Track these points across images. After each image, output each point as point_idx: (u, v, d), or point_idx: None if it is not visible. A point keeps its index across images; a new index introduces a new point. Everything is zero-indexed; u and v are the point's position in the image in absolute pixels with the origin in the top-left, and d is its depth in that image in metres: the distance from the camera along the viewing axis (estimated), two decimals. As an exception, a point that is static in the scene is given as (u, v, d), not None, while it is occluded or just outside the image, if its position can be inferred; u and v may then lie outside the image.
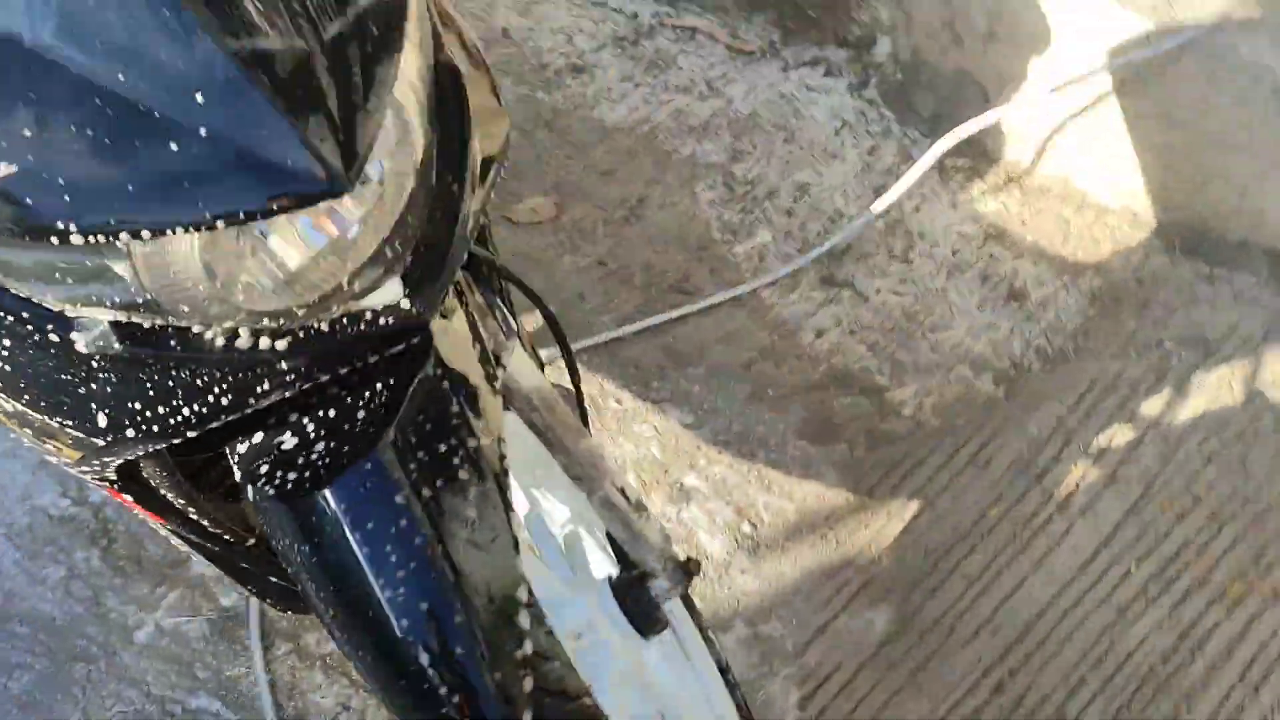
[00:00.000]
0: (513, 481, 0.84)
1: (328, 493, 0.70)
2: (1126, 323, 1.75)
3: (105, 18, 0.53)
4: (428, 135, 0.68)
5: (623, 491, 1.03)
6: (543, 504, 1.11)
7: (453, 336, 0.80)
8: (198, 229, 0.55)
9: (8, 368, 0.65)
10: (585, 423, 1.10)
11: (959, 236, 1.89)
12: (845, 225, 1.93)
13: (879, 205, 1.91)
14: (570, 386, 1.12)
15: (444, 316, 0.80)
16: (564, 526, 1.12)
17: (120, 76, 0.53)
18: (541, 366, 1.09)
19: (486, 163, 0.80)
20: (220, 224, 0.54)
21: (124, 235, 0.54)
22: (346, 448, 0.71)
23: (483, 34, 2.52)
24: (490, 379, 0.82)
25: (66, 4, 0.53)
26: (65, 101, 0.54)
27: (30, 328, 0.63)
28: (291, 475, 0.71)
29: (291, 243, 0.60)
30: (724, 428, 1.70)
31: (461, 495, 0.75)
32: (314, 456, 0.72)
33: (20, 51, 0.53)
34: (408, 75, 0.65)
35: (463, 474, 0.75)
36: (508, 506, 0.78)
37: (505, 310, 0.95)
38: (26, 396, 0.67)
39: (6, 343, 0.64)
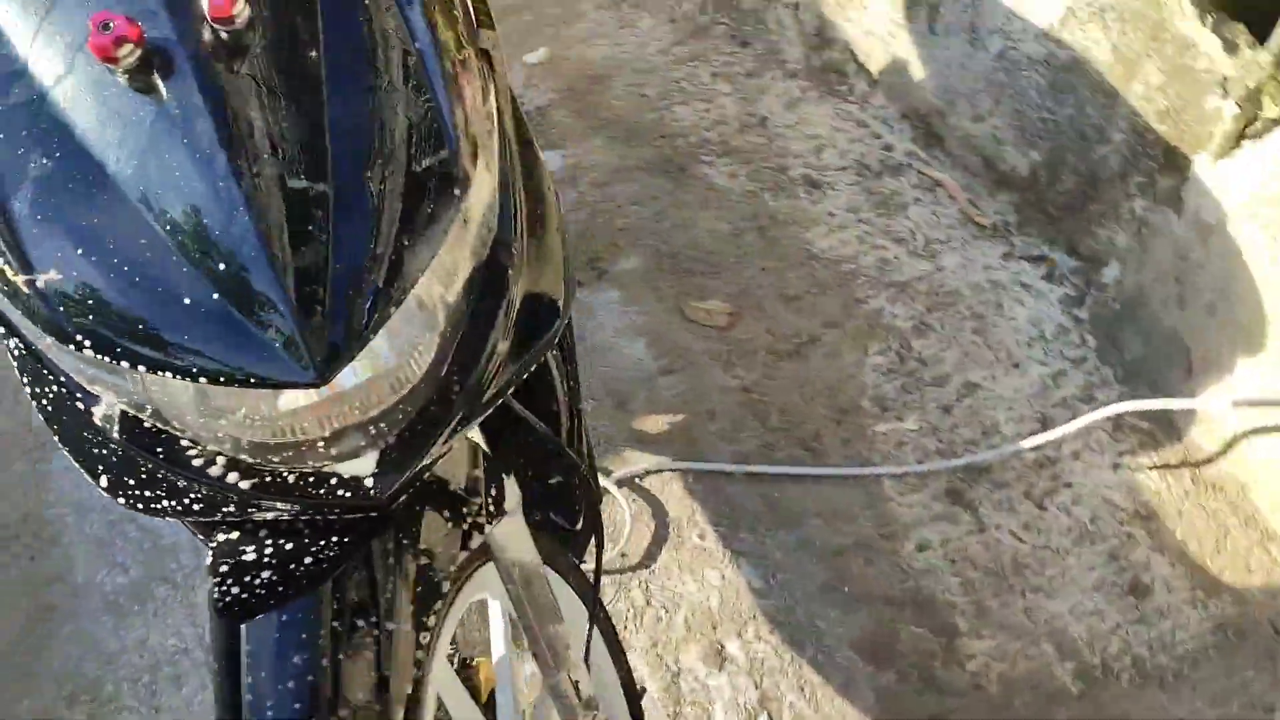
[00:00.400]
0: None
1: (244, 626, 0.75)
2: (1244, 670, 1.60)
3: (172, 173, 0.61)
4: (446, 336, 0.71)
5: (576, 685, 1.06)
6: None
7: (426, 515, 0.84)
8: (192, 379, 0.62)
9: (52, 414, 0.76)
10: (593, 619, 1.13)
11: (1105, 503, 1.78)
12: (995, 445, 1.85)
13: (1037, 439, 1.81)
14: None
15: (418, 495, 0.84)
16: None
17: (166, 227, 0.61)
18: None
19: (537, 313, 0.84)
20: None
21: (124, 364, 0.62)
22: (281, 587, 0.76)
23: (741, 115, 2.54)
24: (454, 564, 0.86)
25: (148, 148, 0.61)
26: (115, 232, 0.63)
27: (65, 390, 0.74)
28: (234, 590, 0.76)
29: (266, 399, 0.67)
30: (787, 607, 1.68)
31: (365, 669, 0.78)
32: (257, 582, 0.76)
33: (103, 177, 0.62)
34: (442, 271, 0.69)
35: (369, 653, 0.78)
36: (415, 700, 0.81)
37: (507, 482, 0.95)
38: (61, 443, 0.77)
39: (50, 393, 0.76)
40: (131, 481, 0.75)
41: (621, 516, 1.78)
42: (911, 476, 1.83)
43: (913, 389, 1.95)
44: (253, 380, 0.61)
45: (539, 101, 2.67)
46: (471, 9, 0.91)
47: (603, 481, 1.82)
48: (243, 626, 0.75)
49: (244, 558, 0.78)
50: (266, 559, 0.78)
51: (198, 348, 0.61)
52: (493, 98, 0.83)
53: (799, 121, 2.51)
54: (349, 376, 0.66)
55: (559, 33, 2.90)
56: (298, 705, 0.74)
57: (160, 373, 0.62)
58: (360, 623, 0.78)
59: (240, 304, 0.60)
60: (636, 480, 1.83)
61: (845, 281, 2.13)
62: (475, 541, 0.88)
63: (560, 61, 2.79)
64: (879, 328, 2.04)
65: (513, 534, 0.96)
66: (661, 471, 1.85)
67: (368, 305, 0.63)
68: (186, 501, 0.75)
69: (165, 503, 0.75)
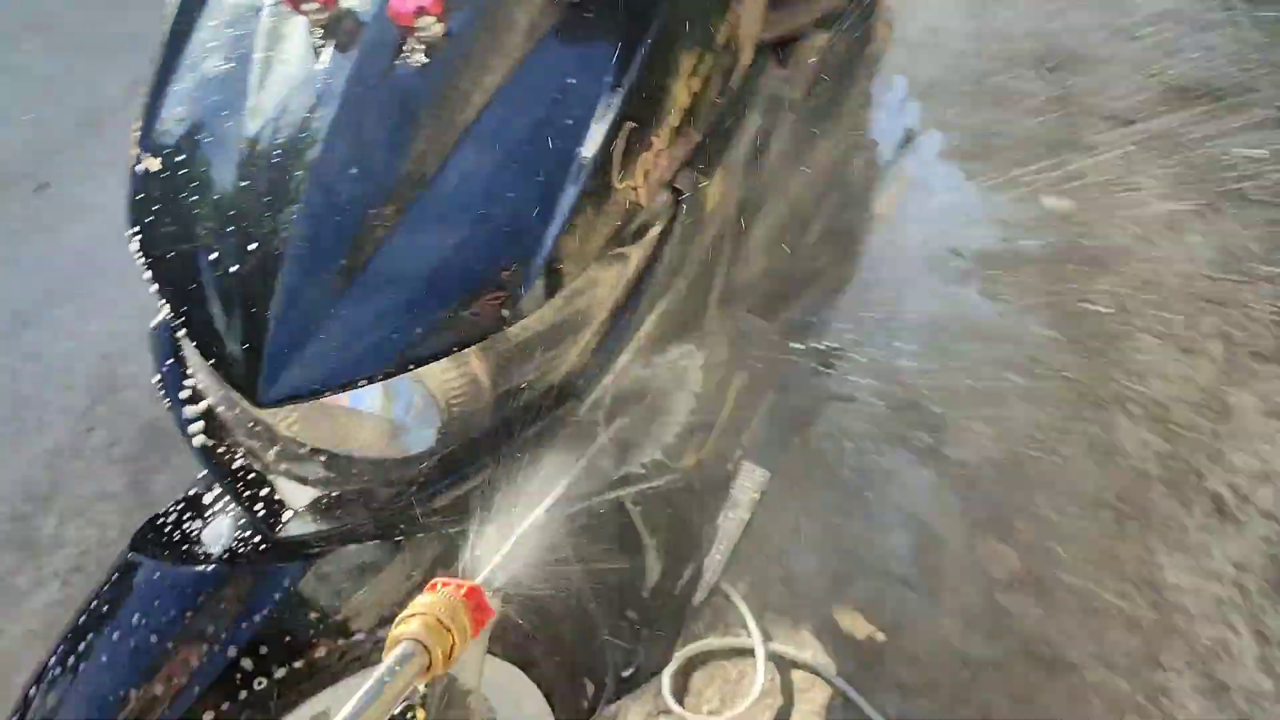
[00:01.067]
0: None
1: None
2: None
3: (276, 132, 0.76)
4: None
5: None
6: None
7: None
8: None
9: None
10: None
11: None
12: None
13: None
14: None
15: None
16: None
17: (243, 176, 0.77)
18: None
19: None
20: None
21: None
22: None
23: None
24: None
25: (280, 95, 0.77)
26: (217, 152, 0.80)
27: None
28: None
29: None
30: None
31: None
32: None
33: (238, 95, 0.79)
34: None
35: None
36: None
37: None
38: None
39: None
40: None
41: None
42: None
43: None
44: (219, 366, 0.76)
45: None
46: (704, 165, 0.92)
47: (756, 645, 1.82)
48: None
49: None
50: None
51: (206, 308, 0.76)
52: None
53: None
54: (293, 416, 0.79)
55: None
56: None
57: (160, 299, 0.79)
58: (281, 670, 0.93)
59: (251, 301, 0.74)
60: (788, 660, 1.81)
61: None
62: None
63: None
64: None
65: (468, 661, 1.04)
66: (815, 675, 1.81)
67: (329, 371, 0.74)
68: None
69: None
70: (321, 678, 0.94)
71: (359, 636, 0.96)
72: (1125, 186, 2.93)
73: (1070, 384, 2.33)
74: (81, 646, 0.88)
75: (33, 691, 0.88)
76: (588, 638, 1.23)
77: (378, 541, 0.94)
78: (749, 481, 1.57)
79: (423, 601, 0.82)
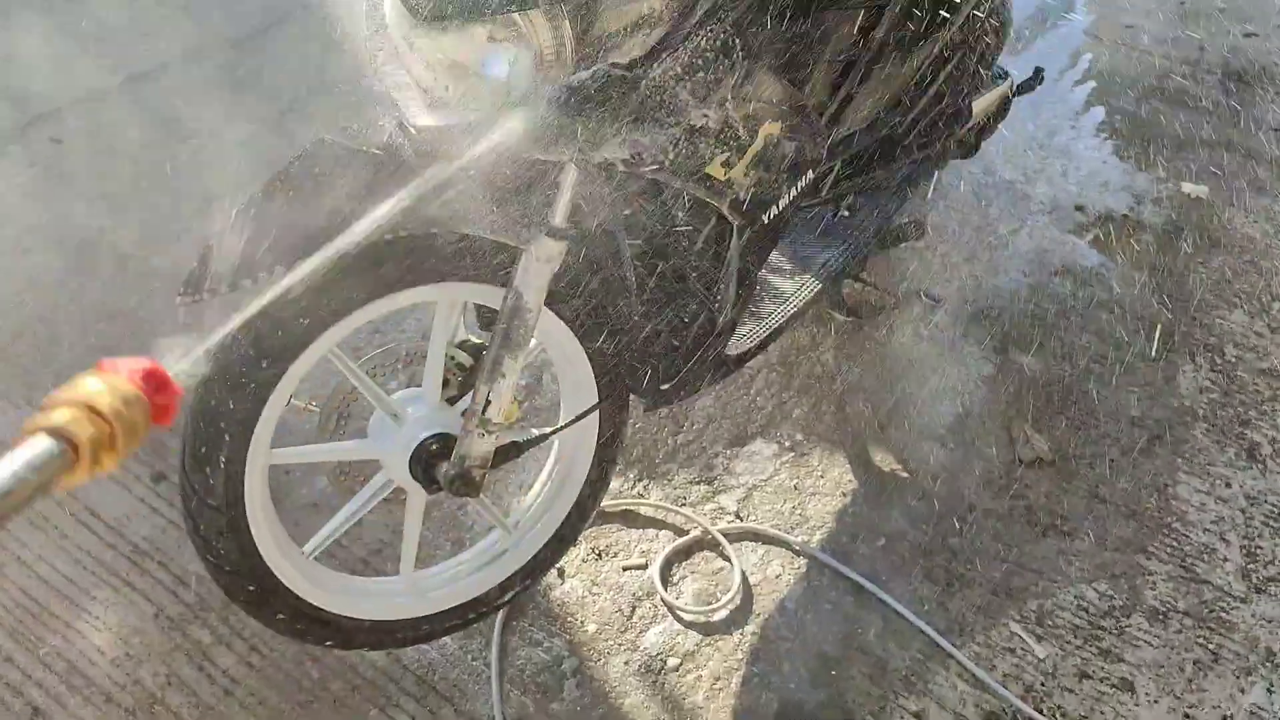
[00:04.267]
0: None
1: None
2: None
3: None
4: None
5: (486, 404, 1.45)
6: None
7: None
8: None
9: None
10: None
11: None
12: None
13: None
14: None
15: None
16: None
17: None
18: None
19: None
20: None
21: None
22: None
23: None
24: None
25: None
26: None
27: None
28: None
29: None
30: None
31: None
32: None
33: None
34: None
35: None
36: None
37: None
38: None
39: None
40: None
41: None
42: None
43: None
44: None
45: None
46: None
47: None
48: None
49: None
50: None
51: None
52: None
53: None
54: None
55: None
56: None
57: None
58: None
59: None
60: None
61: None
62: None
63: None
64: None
65: (535, 265, 1.33)
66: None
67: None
68: None
69: None
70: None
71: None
72: (1268, 190, 3.04)
73: (1148, 330, 2.51)
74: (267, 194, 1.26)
75: (221, 232, 1.27)
76: (634, 330, 1.58)
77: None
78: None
79: (80, 386, 0.74)
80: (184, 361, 0.83)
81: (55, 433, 0.71)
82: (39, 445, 0.70)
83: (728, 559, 1.92)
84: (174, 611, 1.77)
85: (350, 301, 1.29)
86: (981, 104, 2.18)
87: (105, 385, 0.73)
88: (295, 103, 3.07)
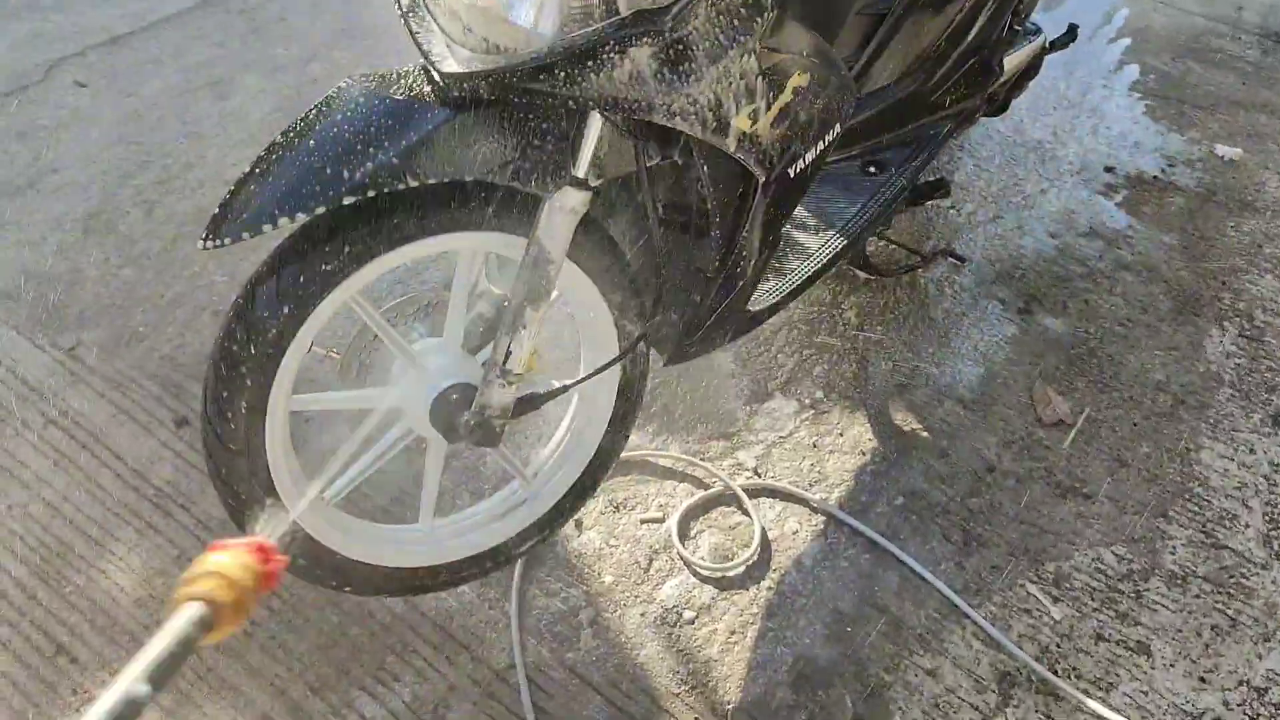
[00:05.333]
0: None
1: None
2: None
3: None
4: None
5: (507, 355, 1.42)
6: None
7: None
8: None
9: None
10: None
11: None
12: None
13: None
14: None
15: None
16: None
17: None
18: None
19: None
20: None
21: None
22: None
23: None
24: None
25: None
26: None
27: None
28: None
29: None
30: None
31: None
32: None
33: None
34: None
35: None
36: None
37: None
38: None
39: None
40: None
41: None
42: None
43: None
44: None
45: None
46: None
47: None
48: None
49: None
50: None
51: None
52: None
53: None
54: None
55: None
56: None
57: None
58: None
59: None
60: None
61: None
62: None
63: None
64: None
65: (559, 216, 1.32)
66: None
67: None
68: None
69: None
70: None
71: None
72: (1305, 152, 2.99)
73: (1175, 293, 2.49)
74: (289, 139, 1.25)
75: (243, 177, 1.23)
76: (656, 284, 1.56)
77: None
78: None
79: (212, 560, 0.94)
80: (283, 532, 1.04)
81: (205, 601, 0.87)
82: (191, 611, 0.86)
83: (747, 514, 1.93)
84: (196, 554, 1.78)
85: (373, 248, 1.28)
86: (1014, 60, 2.14)
87: (229, 558, 0.90)
88: (319, 49, 3.05)
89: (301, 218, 1.19)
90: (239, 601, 0.89)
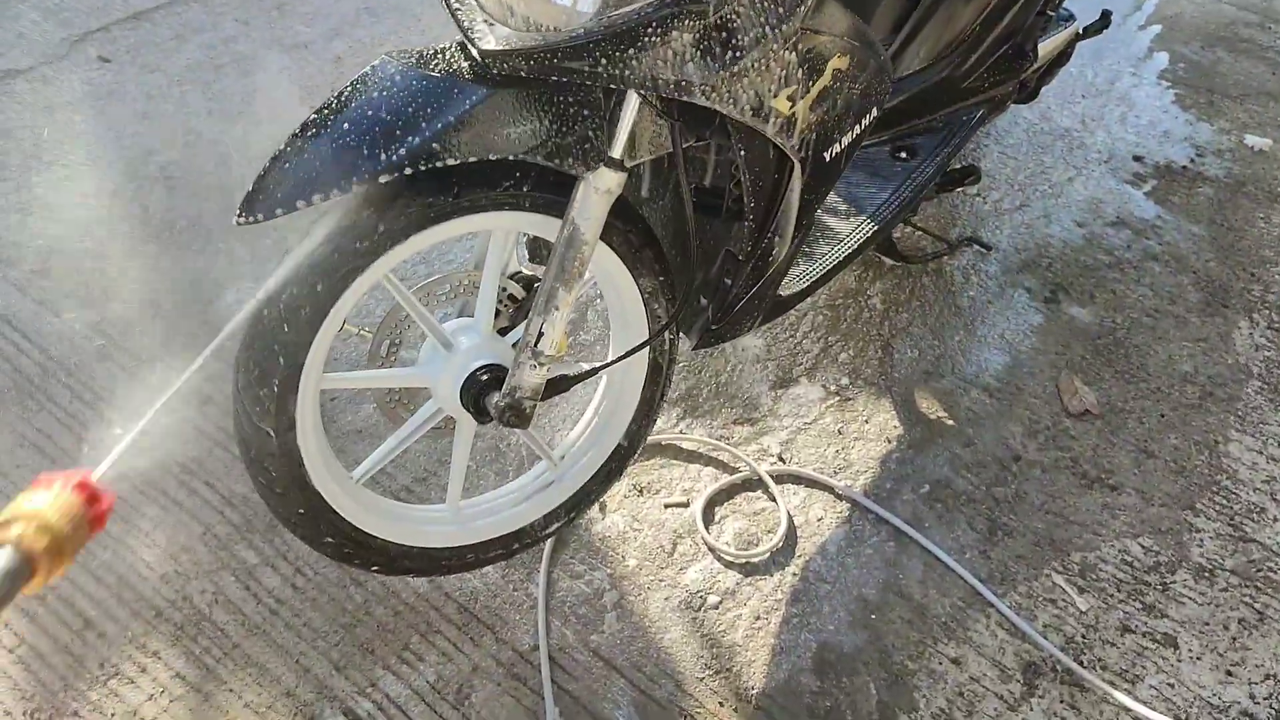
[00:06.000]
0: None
1: None
2: None
3: None
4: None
5: (539, 337, 1.44)
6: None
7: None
8: None
9: None
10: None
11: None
12: None
13: None
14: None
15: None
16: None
17: None
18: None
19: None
20: None
21: None
22: None
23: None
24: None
25: None
26: None
27: None
28: None
29: None
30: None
31: None
32: None
33: None
34: None
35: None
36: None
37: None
38: None
39: None
40: None
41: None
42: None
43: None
44: None
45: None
46: None
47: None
48: None
49: None
50: None
51: None
52: None
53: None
54: None
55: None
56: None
57: None
58: None
59: None
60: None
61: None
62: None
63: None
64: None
65: (593, 196, 1.30)
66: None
67: None
68: None
69: None
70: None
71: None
72: (1336, 144, 2.95)
73: (1203, 284, 2.47)
74: (325, 116, 1.24)
75: (278, 154, 1.22)
76: (687, 267, 1.56)
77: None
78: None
79: (26, 503, 0.84)
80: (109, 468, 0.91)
81: (15, 546, 0.79)
82: (6, 562, 0.78)
83: (773, 499, 1.92)
84: (221, 531, 1.79)
85: (407, 227, 1.27)
86: (1047, 46, 2.11)
87: (48, 498, 0.82)
88: (342, 26, 3.04)
89: (337, 195, 1.18)
90: (57, 547, 0.80)
